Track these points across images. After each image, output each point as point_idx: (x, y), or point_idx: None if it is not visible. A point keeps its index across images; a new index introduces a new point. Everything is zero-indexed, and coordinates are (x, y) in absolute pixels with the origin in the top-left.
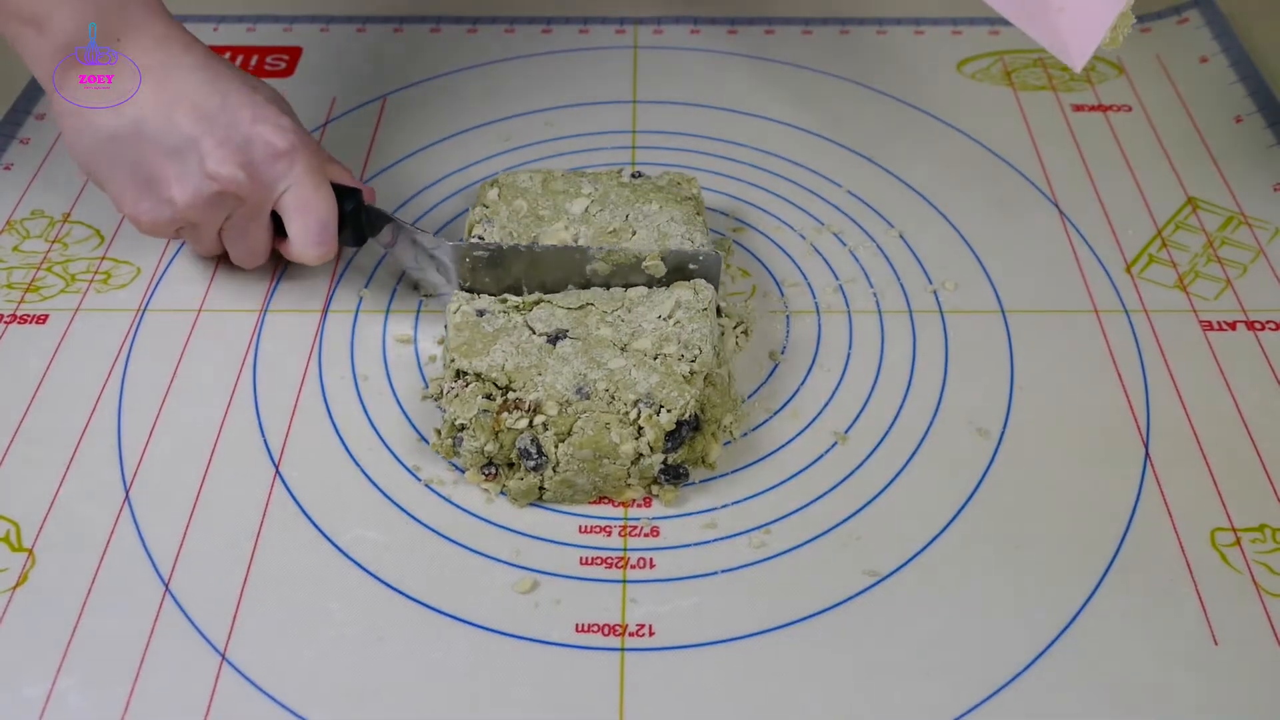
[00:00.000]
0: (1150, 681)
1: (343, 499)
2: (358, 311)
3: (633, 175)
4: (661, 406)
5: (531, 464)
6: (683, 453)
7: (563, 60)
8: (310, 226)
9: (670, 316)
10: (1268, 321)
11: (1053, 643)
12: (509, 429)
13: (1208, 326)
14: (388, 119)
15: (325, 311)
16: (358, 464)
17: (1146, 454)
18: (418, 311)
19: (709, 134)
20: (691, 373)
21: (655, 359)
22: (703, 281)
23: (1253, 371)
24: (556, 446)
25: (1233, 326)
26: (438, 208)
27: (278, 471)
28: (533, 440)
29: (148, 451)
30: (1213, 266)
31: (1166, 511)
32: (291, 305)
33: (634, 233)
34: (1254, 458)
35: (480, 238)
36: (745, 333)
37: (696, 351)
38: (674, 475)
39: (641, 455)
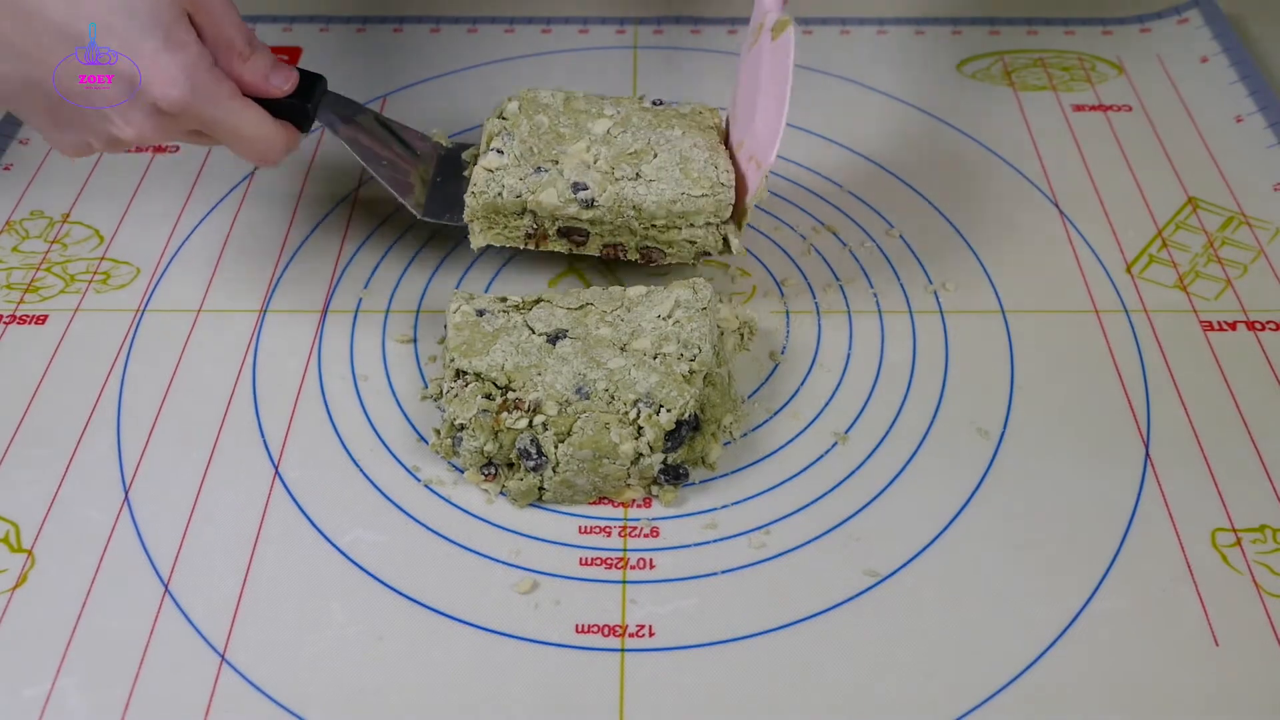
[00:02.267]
0: (1150, 681)
1: (343, 499)
2: (357, 311)
3: (654, 103)
4: (661, 406)
5: (531, 464)
6: (682, 453)
7: (563, 60)
8: (245, 155)
9: (669, 316)
10: (1268, 321)
11: (1053, 643)
12: (509, 429)
13: (1208, 326)
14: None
15: (325, 311)
16: (358, 464)
17: (1147, 454)
18: (417, 311)
19: None
20: (691, 372)
21: (655, 358)
22: (702, 280)
23: (1253, 371)
24: (556, 446)
25: (1233, 326)
26: None
27: (277, 472)
28: (532, 440)
29: (148, 451)
30: (1213, 266)
31: (1167, 512)
32: (291, 305)
33: (655, 155)
34: (1254, 458)
35: (499, 151)
36: (745, 333)
37: (696, 351)
38: (674, 475)
39: (641, 455)
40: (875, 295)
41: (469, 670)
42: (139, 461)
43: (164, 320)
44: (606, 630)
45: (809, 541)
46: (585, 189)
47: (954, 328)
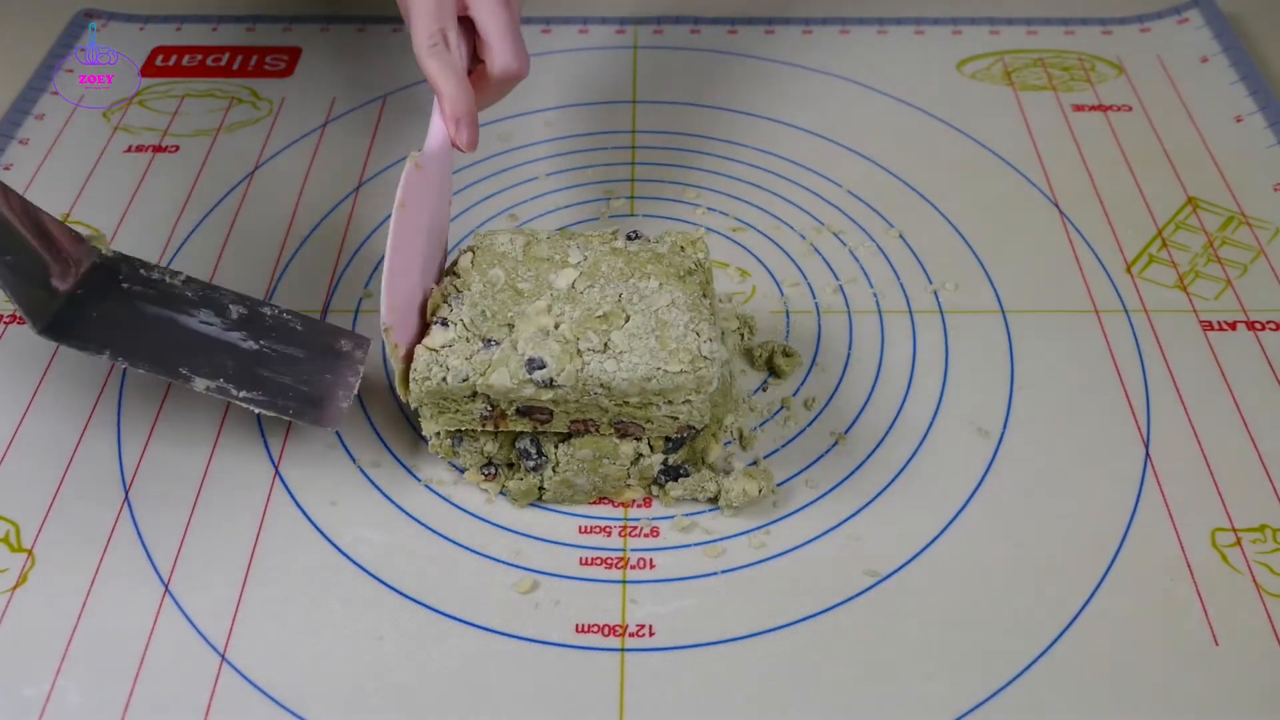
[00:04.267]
0: (1150, 681)
1: (343, 499)
2: (357, 311)
3: (628, 236)
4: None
5: (531, 464)
6: (683, 453)
7: (563, 60)
8: None
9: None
10: (1268, 322)
11: (1053, 643)
12: (508, 430)
13: (1208, 326)
14: (388, 119)
15: (325, 311)
16: (358, 465)
17: (1146, 454)
18: None
19: (709, 134)
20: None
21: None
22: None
23: (1253, 371)
24: (556, 447)
25: (1233, 326)
26: None
27: (277, 471)
28: (532, 440)
29: (148, 451)
30: (1213, 266)
31: (1166, 511)
32: (291, 305)
33: (627, 318)
34: (1254, 458)
35: (444, 323)
36: (745, 333)
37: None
38: (674, 475)
39: (641, 455)
40: (875, 295)
41: (469, 670)
42: (139, 461)
43: None
44: (606, 630)
45: (809, 541)
46: (542, 366)
47: (954, 328)
